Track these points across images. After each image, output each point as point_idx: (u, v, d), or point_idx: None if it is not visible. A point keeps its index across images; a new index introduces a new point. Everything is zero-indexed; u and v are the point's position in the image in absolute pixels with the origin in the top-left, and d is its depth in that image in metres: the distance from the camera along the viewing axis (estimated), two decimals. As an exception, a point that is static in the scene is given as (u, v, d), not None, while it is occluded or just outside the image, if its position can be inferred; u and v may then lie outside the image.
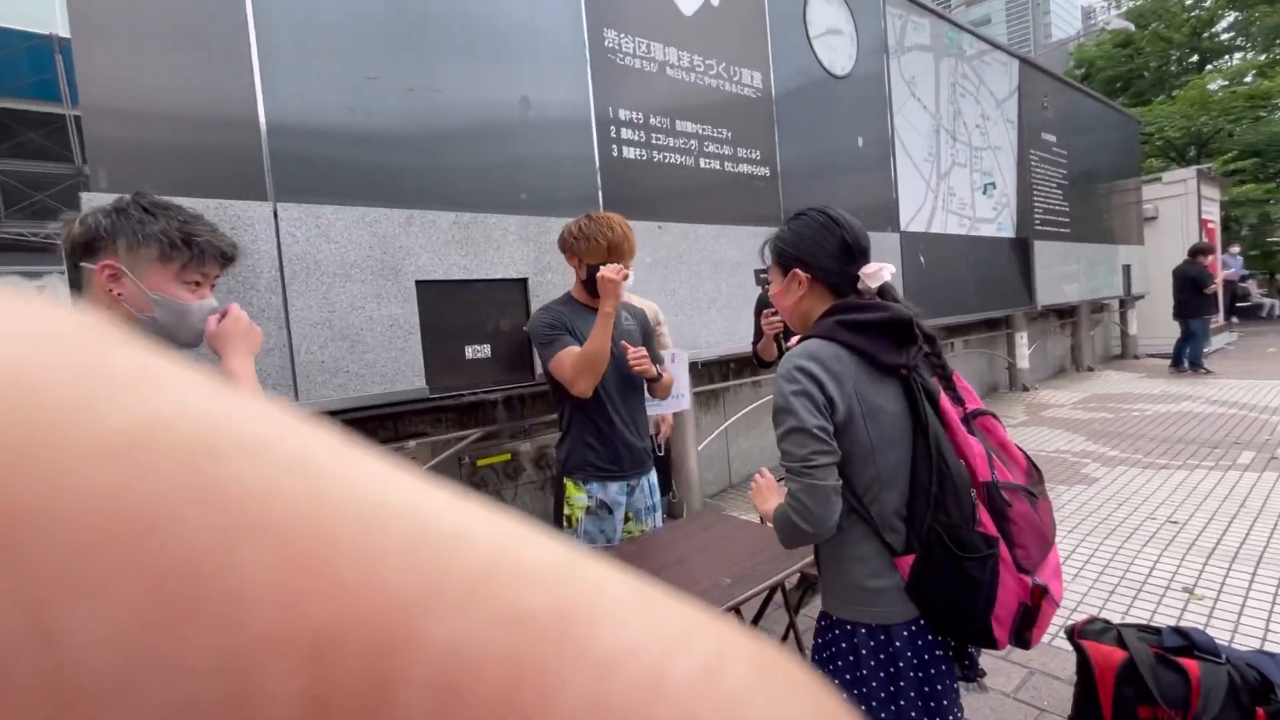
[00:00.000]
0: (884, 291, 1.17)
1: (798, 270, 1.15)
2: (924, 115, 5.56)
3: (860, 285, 1.15)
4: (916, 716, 1.01)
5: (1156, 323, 9.53)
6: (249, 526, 0.08)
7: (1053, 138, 7.41)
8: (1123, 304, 9.48)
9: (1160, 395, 6.56)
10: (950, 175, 5.87)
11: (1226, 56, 18.26)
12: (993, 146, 6.45)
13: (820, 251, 1.14)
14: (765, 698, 0.10)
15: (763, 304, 2.72)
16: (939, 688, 1.02)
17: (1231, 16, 17.12)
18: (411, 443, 2.80)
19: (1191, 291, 7.65)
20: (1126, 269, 9.10)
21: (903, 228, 5.21)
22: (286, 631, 0.08)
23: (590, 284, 1.91)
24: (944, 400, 1.09)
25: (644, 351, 1.96)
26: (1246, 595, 2.47)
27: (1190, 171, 9.94)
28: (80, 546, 0.08)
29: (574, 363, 1.82)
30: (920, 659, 1.03)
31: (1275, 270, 16.42)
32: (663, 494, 2.61)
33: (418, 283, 2.58)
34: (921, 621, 1.04)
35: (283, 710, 0.08)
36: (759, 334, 2.71)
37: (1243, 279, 12.77)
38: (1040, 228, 7.09)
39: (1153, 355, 9.29)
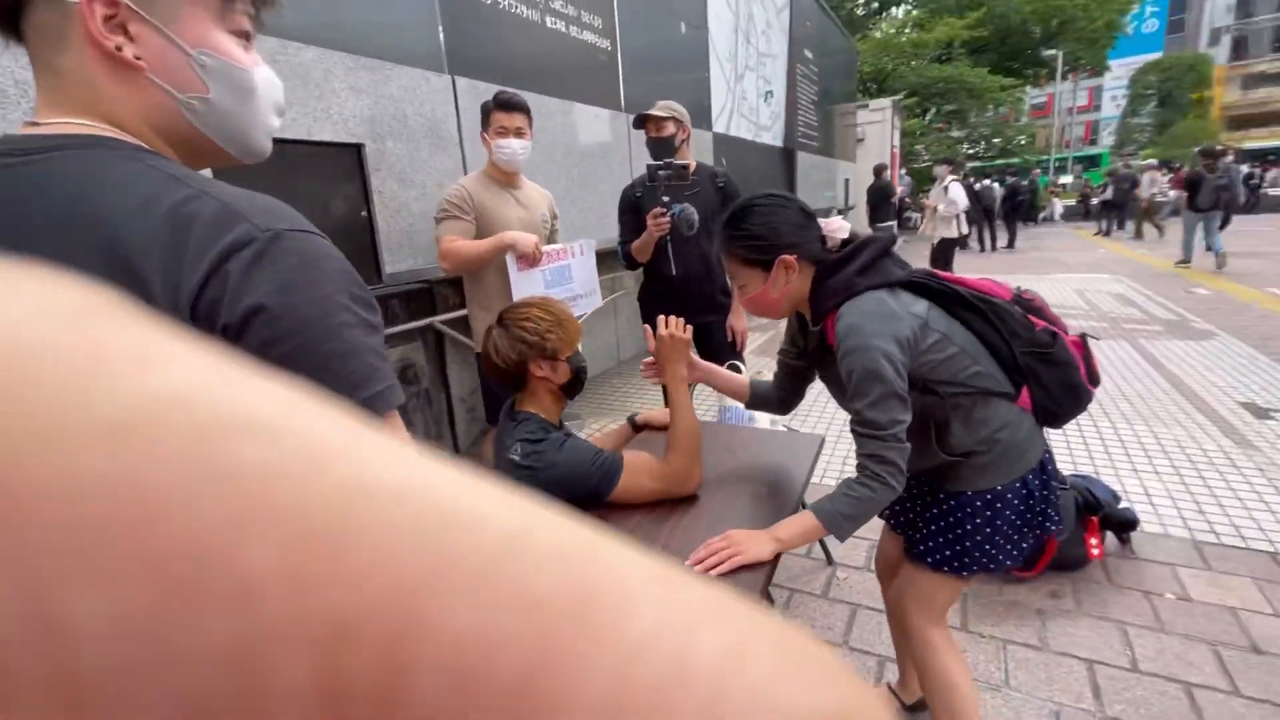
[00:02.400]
0: (851, 240, 1.21)
1: (785, 256, 1.13)
2: (727, 11, 5.56)
3: (829, 244, 1.19)
4: (1052, 525, 1.19)
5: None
6: (258, 510, 0.08)
7: (810, 54, 8.16)
8: (841, 213, 11.33)
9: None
10: (744, 79, 6.07)
11: (894, 9, 22.13)
12: (772, 54, 6.83)
13: (795, 228, 1.15)
14: (792, 682, 0.09)
15: (630, 204, 2.44)
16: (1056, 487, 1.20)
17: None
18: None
19: (882, 200, 9.42)
20: (846, 182, 10.82)
21: (713, 128, 5.28)
22: (297, 619, 0.08)
23: (573, 386, 1.39)
24: (937, 272, 1.20)
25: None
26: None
27: (887, 102, 12.02)
28: (84, 534, 0.08)
29: (692, 457, 1.35)
30: (1048, 474, 1.18)
31: (918, 191, 21.34)
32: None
33: (206, 136, 1.72)
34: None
35: (294, 700, 0.08)
36: (629, 232, 2.47)
37: (909, 195, 16.29)
38: (802, 140, 7.90)
39: (858, 256, 11.44)
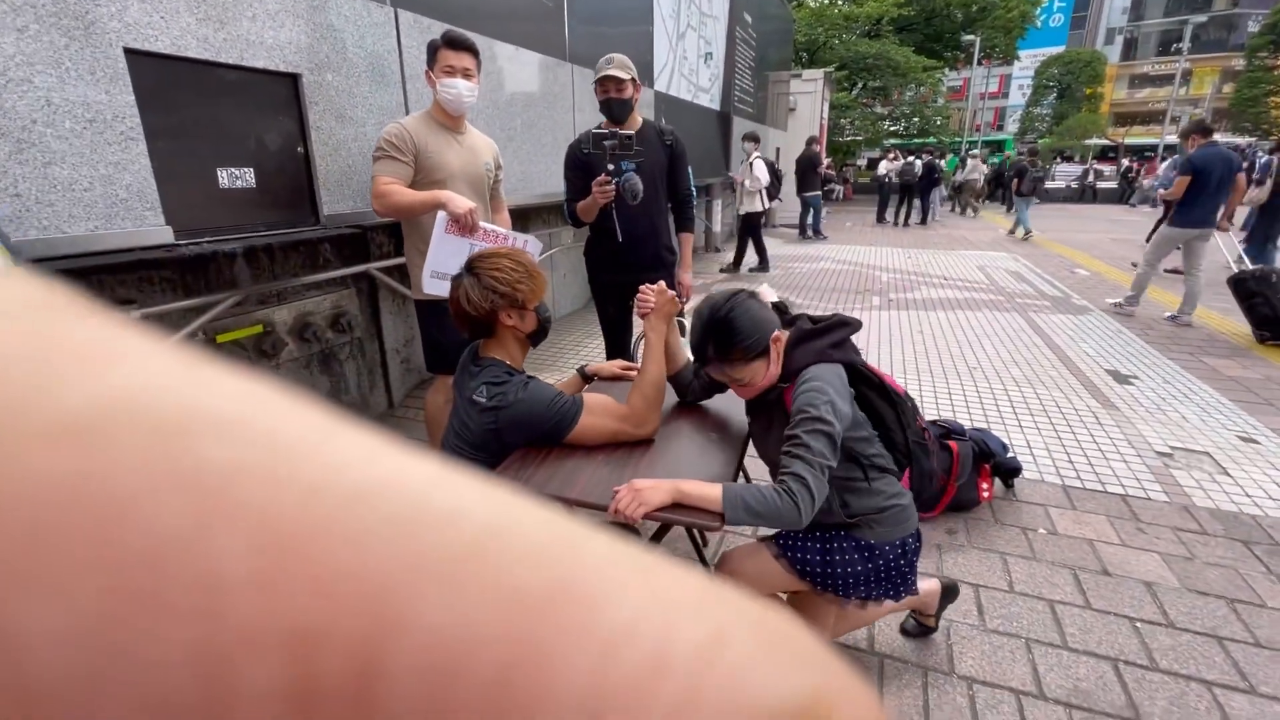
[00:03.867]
0: (780, 305, 1.41)
1: (777, 334, 1.28)
2: (671, -35, 5.47)
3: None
4: (905, 592, 1.38)
5: (786, 200, 11.96)
6: (222, 510, 0.08)
7: (750, 19, 8.17)
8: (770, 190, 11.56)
9: (805, 256, 8.46)
10: (685, 38, 6.03)
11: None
12: (713, 15, 6.79)
13: (762, 310, 1.28)
14: (771, 669, 0.09)
15: (577, 162, 2.42)
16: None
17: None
18: (134, 311, 1.85)
19: (810, 170, 9.72)
20: (777, 150, 11.03)
21: (655, 85, 5.24)
22: (265, 623, 0.08)
23: (538, 335, 1.48)
24: (870, 365, 1.36)
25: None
26: (920, 394, 3.53)
27: (819, 73, 12.23)
28: (37, 539, 0.07)
29: (652, 404, 1.49)
30: (920, 543, 1.39)
31: (841, 164, 22.03)
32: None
33: (129, 52, 1.58)
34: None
35: (263, 706, 0.08)
36: (575, 191, 2.46)
37: (829, 167, 16.80)
38: (738, 105, 7.96)
39: (785, 225, 11.76)
